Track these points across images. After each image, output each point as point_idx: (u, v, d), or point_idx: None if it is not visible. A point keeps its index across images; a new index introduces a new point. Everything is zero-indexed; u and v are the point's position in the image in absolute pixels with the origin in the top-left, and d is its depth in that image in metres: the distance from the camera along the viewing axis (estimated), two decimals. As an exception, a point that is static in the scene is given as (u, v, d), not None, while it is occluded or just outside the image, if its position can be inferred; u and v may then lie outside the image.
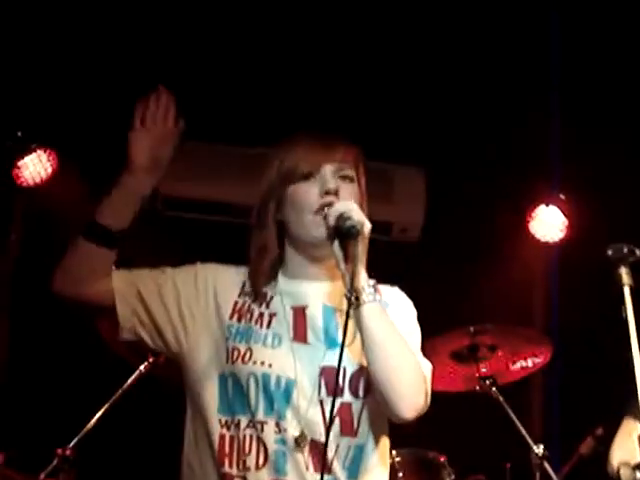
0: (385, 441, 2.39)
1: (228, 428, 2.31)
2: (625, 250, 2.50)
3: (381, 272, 5.08)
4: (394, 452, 3.60)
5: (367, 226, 2.27)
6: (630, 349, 2.42)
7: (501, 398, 3.82)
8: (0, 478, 4.05)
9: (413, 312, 2.51)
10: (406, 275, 5.23)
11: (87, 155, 5.01)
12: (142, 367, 3.80)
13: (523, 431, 3.78)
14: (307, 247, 2.40)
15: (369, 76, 5.18)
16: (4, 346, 5.11)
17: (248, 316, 2.38)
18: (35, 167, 4.94)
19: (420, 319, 4.38)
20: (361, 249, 2.25)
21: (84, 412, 3.77)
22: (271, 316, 2.38)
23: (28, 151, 4.92)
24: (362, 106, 5.22)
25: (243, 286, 2.42)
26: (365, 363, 2.29)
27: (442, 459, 3.69)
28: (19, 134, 4.91)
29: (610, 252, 2.52)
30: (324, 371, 2.30)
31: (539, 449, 3.75)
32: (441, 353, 3.90)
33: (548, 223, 5.28)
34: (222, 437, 2.30)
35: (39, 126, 4.95)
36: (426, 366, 2.39)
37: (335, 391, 2.24)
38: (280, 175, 2.39)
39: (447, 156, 5.33)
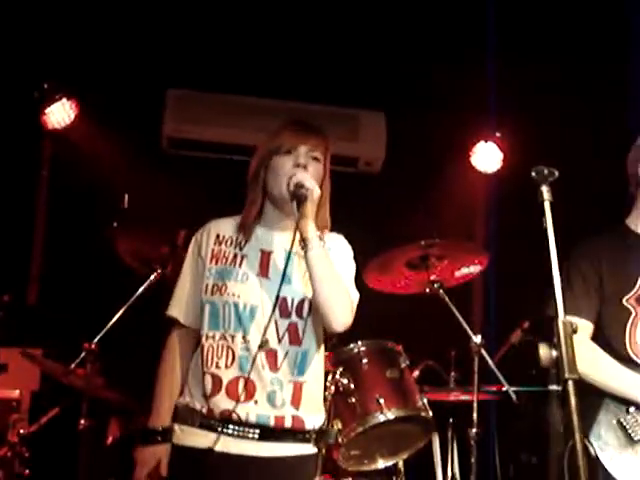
0: (322, 348, 2.70)
1: (207, 339, 2.62)
2: (546, 171, 2.50)
3: (349, 199, 5.13)
4: (359, 342, 3.61)
5: (316, 192, 2.56)
6: (549, 254, 2.44)
7: (447, 299, 3.83)
8: (40, 367, 4.12)
9: (350, 254, 2.76)
10: (370, 201, 5.34)
11: (105, 103, 4.97)
12: (152, 277, 3.81)
13: (465, 325, 3.79)
14: (279, 203, 2.65)
15: (343, 39, 5.13)
16: (40, 263, 5.12)
17: (223, 259, 2.67)
18: (60, 114, 4.89)
19: (380, 236, 4.40)
20: (310, 209, 2.55)
21: (106, 314, 3.79)
22: (242, 257, 2.66)
23: (53, 100, 4.86)
24: (335, 61, 5.18)
25: (217, 236, 2.71)
26: (307, 294, 2.60)
27: (399, 348, 3.71)
28: (45, 85, 4.85)
29: (533, 173, 2.52)
30: (279, 299, 2.58)
31: (478, 339, 3.77)
32: (398, 262, 3.91)
33: (487, 157, 5.29)
34: (203, 346, 2.63)
35: (62, 78, 4.88)
36: (355, 295, 2.68)
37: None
38: (269, 149, 2.67)
39: (404, 100, 5.30)
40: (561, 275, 2.99)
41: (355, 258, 2.75)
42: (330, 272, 2.55)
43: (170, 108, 5.14)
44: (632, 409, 2.93)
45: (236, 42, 5.04)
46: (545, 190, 2.49)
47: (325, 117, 5.23)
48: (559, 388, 2.35)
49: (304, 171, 2.59)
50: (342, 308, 2.56)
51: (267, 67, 5.16)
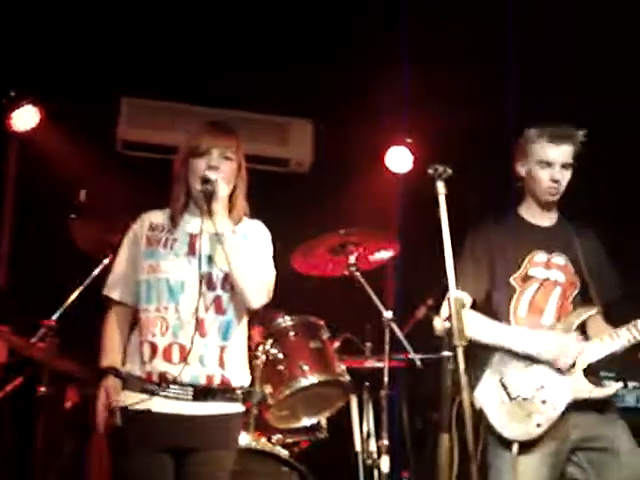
0: (244, 317, 2.70)
1: (144, 312, 2.64)
2: (440, 168, 2.53)
3: (282, 195, 5.11)
4: (287, 317, 3.62)
5: (222, 190, 2.57)
6: (442, 241, 2.48)
7: (362, 280, 3.83)
8: (7, 342, 4.01)
9: (267, 237, 2.77)
10: (301, 196, 5.33)
11: (66, 109, 4.86)
12: (106, 261, 3.74)
13: (378, 302, 3.81)
14: (198, 199, 2.66)
15: (280, 58, 5.09)
16: (7, 250, 5.01)
17: (156, 243, 2.67)
18: (25, 118, 4.77)
19: (308, 226, 4.41)
20: (218, 206, 2.57)
21: (68, 294, 3.72)
22: (173, 240, 2.67)
23: (19, 106, 4.75)
24: (272, 76, 5.15)
25: (151, 224, 2.71)
26: None
27: (321, 322, 3.72)
28: (12, 93, 4.74)
29: (430, 171, 2.55)
30: (205, 275, 2.61)
31: (389, 314, 3.78)
32: (321, 249, 3.91)
33: (399, 159, 5.32)
34: (140, 318, 2.65)
35: (28, 86, 4.77)
36: (271, 274, 2.70)
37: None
38: (189, 151, 2.66)
39: (329, 110, 5.30)
40: (459, 256, 3.06)
41: (273, 241, 2.77)
42: (244, 260, 2.58)
43: (124, 114, 5.08)
44: (512, 371, 2.98)
45: (186, 55, 4.98)
46: (440, 185, 2.53)
47: (261, 124, 5.25)
48: (450, 354, 2.39)
49: (215, 171, 2.60)
50: (256, 290, 2.60)
51: (212, 79, 5.10)
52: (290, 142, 5.35)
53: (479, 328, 2.99)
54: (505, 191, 3.50)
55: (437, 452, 2.37)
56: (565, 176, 3.08)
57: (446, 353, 2.40)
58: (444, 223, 2.47)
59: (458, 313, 2.36)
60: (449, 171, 2.51)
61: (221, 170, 2.62)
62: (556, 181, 3.05)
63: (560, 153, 3.05)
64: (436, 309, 4.00)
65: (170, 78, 5.01)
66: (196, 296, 2.57)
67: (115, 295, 2.73)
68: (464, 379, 2.28)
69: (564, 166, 3.07)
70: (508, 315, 3.05)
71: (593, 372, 2.99)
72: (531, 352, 2.95)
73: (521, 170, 3.16)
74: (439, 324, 2.39)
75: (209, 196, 2.56)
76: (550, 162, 3.06)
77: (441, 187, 2.50)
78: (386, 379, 3.68)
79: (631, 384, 3.83)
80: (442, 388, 2.42)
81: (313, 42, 5.08)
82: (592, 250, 3.12)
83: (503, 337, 3.00)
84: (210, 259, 2.62)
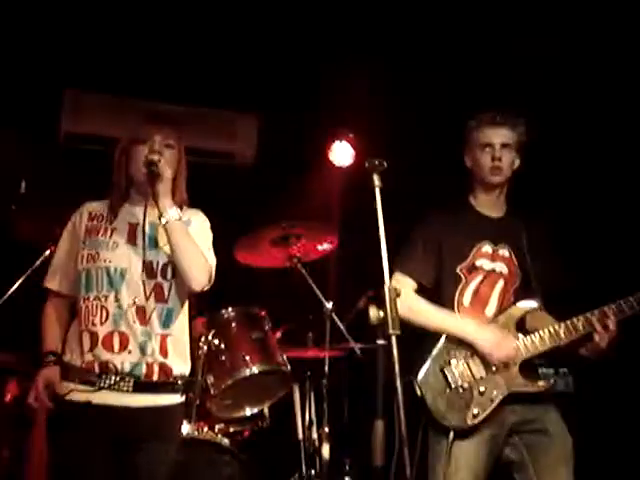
0: (186, 306, 2.71)
1: (83, 301, 2.61)
2: (377, 162, 2.57)
3: (227, 187, 5.08)
4: (229, 308, 3.63)
5: (167, 172, 2.57)
6: (378, 231, 2.52)
7: (303, 271, 3.87)
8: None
9: (207, 224, 2.79)
10: (246, 189, 5.32)
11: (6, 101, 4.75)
12: (47, 253, 3.70)
13: (319, 293, 3.85)
14: (140, 185, 2.67)
15: (226, 53, 5.04)
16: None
17: (95, 232, 2.66)
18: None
19: (253, 218, 4.40)
20: (161, 187, 2.57)
21: (3, 285, 3.66)
22: (113, 230, 2.66)
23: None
24: (219, 71, 5.11)
25: (90, 214, 2.70)
26: (171, 259, 2.62)
27: (263, 313, 3.73)
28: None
29: (367, 164, 2.59)
30: (145, 263, 2.60)
31: (330, 305, 3.82)
32: (264, 241, 3.94)
33: (341, 154, 5.36)
34: (80, 308, 2.62)
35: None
36: (212, 259, 2.71)
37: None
38: (129, 139, 2.69)
39: (275, 106, 5.29)
40: (408, 239, 3.10)
41: (218, 233, 2.77)
42: (185, 238, 2.58)
43: (67, 106, 4.98)
44: (453, 361, 3.03)
45: (131, 47, 4.91)
46: (376, 178, 2.57)
47: (207, 117, 5.22)
48: (384, 342, 2.42)
49: (158, 155, 2.61)
50: (197, 270, 2.59)
51: (157, 72, 5.05)
52: (235, 136, 5.34)
53: (420, 311, 3.03)
54: (450, 184, 3.53)
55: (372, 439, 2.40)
56: (507, 156, 3.14)
57: (380, 342, 2.44)
58: (379, 215, 2.51)
59: (392, 302, 2.40)
60: (385, 164, 2.55)
61: (164, 156, 2.64)
62: (498, 159, 3.11)
63: (499, 134, 3.14)
64: (376, 299, 4.08)
65: (115, 71, 4.94)
66: (136, 284, 2.58)
67: (54, 286, 2.72)
68: (397, 368, 2.31)
69: (504, 146, 3.14)
70: (452, 304, 3.10)
71: (529, 366, 3.06)
72: (467, 339, 3.01)
73: (468, 161, 3.23)
74: (374, 313, 2.42)
75: (154, 178, 2.56)
76: (490, 143, 3.14)
77: (377, 180, 2.54)
78: (326, 368, 3.72)
79: (562, 370, 3.93)
80: (377, 376, 2.45)
81: (261, 37, 5.06)
82: (538, 242, 3.16)
83: (441, 321, 3.05)
84: (151, 246, 2.63)
